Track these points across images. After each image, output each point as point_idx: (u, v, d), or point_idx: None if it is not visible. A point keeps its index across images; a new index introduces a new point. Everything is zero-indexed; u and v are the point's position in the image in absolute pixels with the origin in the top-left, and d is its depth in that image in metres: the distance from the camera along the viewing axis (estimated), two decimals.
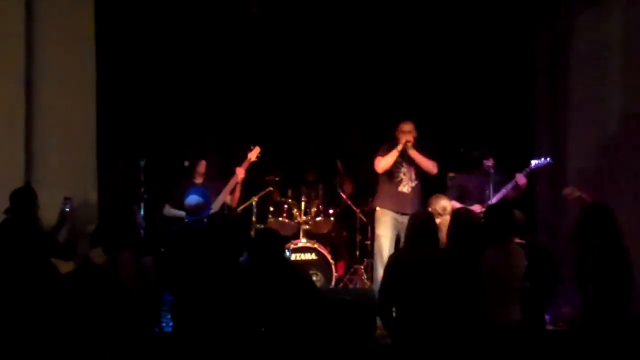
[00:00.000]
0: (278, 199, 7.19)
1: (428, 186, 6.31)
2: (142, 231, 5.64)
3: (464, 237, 4.53)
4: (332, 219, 7.16)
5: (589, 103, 6.41)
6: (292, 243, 6.82)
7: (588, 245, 4.44)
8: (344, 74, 7.76)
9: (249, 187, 6.89)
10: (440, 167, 6.31)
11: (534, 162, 5.98)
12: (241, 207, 6.89)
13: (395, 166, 6.26)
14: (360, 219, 7.29)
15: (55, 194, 5.46)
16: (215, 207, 6.16)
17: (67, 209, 5.34)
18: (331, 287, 6.60)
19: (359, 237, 7.29)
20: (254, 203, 6.99)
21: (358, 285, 7.01)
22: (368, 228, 7.14)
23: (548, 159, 6.01)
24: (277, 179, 7.24)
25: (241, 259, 4.35)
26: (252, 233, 6.54)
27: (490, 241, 4.38)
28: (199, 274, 4.26)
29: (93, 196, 6.12)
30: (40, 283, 4.57)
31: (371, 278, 6.70)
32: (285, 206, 7.07)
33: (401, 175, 6.30)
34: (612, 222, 4.45)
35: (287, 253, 6.53)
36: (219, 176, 6.59)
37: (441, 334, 4.15)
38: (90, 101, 6.10)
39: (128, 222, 4.95)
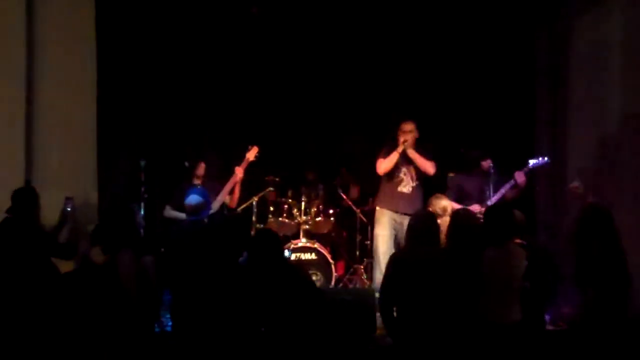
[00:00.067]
0: (278, 199, 7.20)
1: (428, 186, 6.31)
2: (142, 231, 5.65)
3: (464, 237, 4.53)
4: (332, 219, 7.15)
5: (589, 103, 6.40)
6: (292, 243, 6.83)
7: (587, 246, 4.43)
8: (344, 74, 7.76)
9: (249, 187, 6.90)
10: (440, 168, 6.31)
11: (532, 162, 5.97)
12: (241, 207, 6.90)
13: (396, 166, 6.27)
14: (361, 219, 7.29)
15: (56, 194, 5.44)
16: (215, 207, 6.17)
17: (69, 209, 5.31)
18: (331, 287, 6.59)
19: (359, 237, 7.30)
20: (254, 203, 6.99)
21: (358, 285, 7.02)
22: (368, 228, 7.14)
23: (546, 158, 6.00)
24: (277, 179, 7.24)
25: (241, 259, 4.36)
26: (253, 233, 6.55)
27: (490, 241, 4.38)
28: (198, 274, 4.27)
29: (93, 196, 6.14)
30: (41, 282, 4.57)
31: (371, 278, 6.70)
32: (285, 206, 7.06)
33: (402, 175, 6.31)
34: (610, 224, 4.44)
35: (287, 253, 6.52)
36: (219, 176, 6.58)
37: (441, 334, 4.15)
38: (91, 101, 6.12)
39: (127, 222, 4.96)
